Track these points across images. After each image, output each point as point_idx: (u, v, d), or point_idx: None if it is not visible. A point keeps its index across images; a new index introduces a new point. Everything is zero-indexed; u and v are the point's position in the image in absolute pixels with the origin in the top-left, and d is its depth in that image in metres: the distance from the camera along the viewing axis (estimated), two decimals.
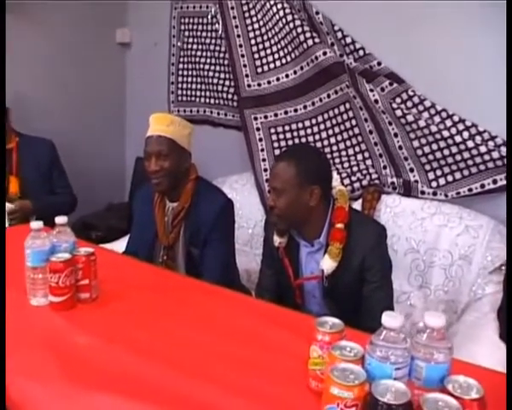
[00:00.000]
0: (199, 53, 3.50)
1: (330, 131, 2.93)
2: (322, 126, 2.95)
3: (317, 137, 2.96)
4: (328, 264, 1.83)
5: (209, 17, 3.41)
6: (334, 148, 2.92)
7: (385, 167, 2.77)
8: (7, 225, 2.72)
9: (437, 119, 2.58)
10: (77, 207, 3.14)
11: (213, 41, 3.40)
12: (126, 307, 1.58)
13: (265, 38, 3.09)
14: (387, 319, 0.95)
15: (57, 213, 2.48)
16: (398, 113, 2.59)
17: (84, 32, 3.66)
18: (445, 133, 2.50)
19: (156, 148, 2.12)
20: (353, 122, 2.84)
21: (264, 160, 3.00)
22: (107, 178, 3.94)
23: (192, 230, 2.19)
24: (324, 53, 2.77)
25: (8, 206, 2.75)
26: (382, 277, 1.84)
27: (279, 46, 3.04)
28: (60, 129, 3.33)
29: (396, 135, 2.66)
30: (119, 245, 2.75)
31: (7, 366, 1.23)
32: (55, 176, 3.00)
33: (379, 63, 2.76)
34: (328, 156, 2.88)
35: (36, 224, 1.55)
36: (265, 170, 2.97)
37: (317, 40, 2.81)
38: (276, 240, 1.96)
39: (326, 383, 0.94)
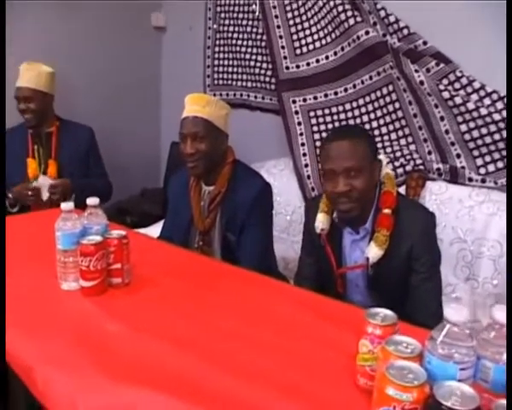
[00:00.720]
0: (235, 35, 3.40)
1: (372, 115, 2.80)
2: (363, 110, 2.82)
3: (359, 120, 2.83)
4: (374, 252, 1.72)
5: None
6: (377, 132, 2.79)
7: (430, 153, 2.63)
8: (45, 197, 2.76)
9: (487, 101, 2.43)
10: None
11: (250, 23, 3.30)
12: (159, 294, 1.51)
13: (304, 18, 2.97)
14: (451, 311, 0.85)
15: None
16: (445, 95, 2.46)
17: (119, 17, 3.64)
18: (496, 116, 2.35)
19: (192, 129, 2.05)
20: (397, 105, 2.71)
21: (303, 144, 2.89)
22: (141, 164, 3.90)
23: (229, 215, 2.11)
24: (367, 32, 2.64)
25: (50, 181, 2.77)
26: (431, 267, 1.72)
27: (319, 26, 2.92)
28: (96, 114, 3.33)
29: (442, 118, 2.52)
30: (154, 230, 2.70)
31: (34, 353, 1.17)
32: (92, 163, 2.98)
33: (424, 42, 2.62)
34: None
35: (66, 205, 1.48)
36: (304, 155, 2.87)
37: (358, 19, 2.68)
38: (318, 226, 1.85)
39: (379, 382, 0.84)
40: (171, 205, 2.34)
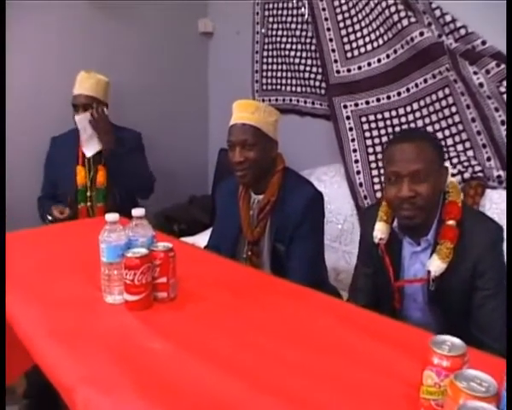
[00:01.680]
0: (284, 39, 3.34)
1: (427, 120, 2.68)
2: (418, 114, 2.70)
3: (413, 125, 2.71)
4: (436, 265, 1.62)
5: (294, 1, 3.24)
6: None
7: (489, 159, 2.49)
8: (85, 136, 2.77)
9: None
10: (158, 198, 3.15)
11: (299, 26, 3.23)
12: (206, 310, 1.44)
13: (355, 20, 2.88)
14: None
15: (134, 176, 2.73)
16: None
17: (166, 23, 3.65)
18: None
19: (240, 137, 2.00)
20: (453, 109, 2.58)
21: (354, 150, 2.80)
22: (189, 171, 3.88)
23: (278, 224, 2.05)
24: (421, 33, 2.53)
25: (89, 116, 2.76)
26: (497, 284, 1.59)
27: (370, 28, 2.82)
28: (144, 121, 3.31)
29: (503, 123, 2.38)
30: (202, 239, 2.67)
31: (76, 371, 1.13)
32: (135, 158, 2.94)
33: (483, 42, 2.48)
34: None
35: (111, 216, 1.44)
36: (356, 161, 2.78)
37: (412, 20, 2.57)
38: (377, 235, 1.76)
39: None
40: (219, 213, 2.30)
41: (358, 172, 2.75)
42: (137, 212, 1.52)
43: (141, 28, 3.53)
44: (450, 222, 1.62)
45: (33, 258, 1.80)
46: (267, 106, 2.08)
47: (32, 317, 1.38)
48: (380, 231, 1.77)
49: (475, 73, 2.40)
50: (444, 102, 2.60)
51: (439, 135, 2.64)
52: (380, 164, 2.73)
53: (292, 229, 2.01)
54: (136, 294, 1.39)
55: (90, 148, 2.81)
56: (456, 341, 0.93)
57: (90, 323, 1.35)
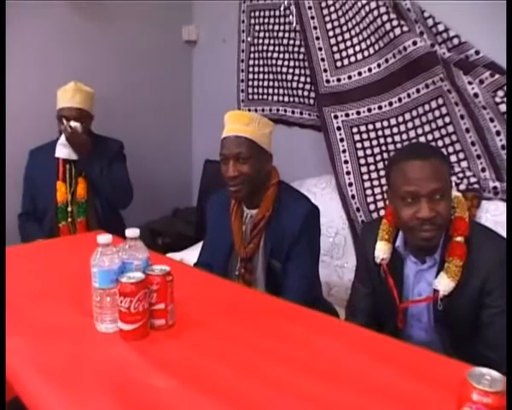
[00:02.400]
0: (271, 48, 3.27)
1: (420, 130, 2.62)
2: (410, 125, 2.64)
3: (405, 136, 2.66)
4: (445, 284, 1.55)
5: (282, 9, 3.18)
6: None
7: (483, 170, 2.45)
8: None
9: None
10: (140, 210, 3.13)
11: (287, 34, 3.17)
12: (206, 337, 1.35)
13: (345, 28, 2.82)
14: None
15: (115, 185, 2.70)
16: (502, 108, 2.28)
17: (149, 31, 3.56)
18: None
19: (234, 150, 1.91)
20: (447, 119, 2.53)
21: (346, 162, 2.73)
22: (172, 182, 3.79)
23: (274, 240, 1.96)
24: (414, 43, 2.48)
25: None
26: (505, 300, 1.53)
27: (361, 37, 2.76)
28: (126, 130, 3.22)
29: (498, 133, 2.34)
30: (190, 255, 2.58)
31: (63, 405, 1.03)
32: (116, 166, 2.84)
33: (477, 52, 2.44)
34: None
35: (104, 238, 1.34)
36: (348, 173, 2.71)
37: (405, 29, 2.52)
38: (379, 256, 1.69)
39: None
40: (210, 229, 2.20)
41: (350, 184, 2.69)
42: (131, 232, 1.40)
43: (123, 36, 3.42)
44: (459, 239, 1.56)
45: (15, 280, 1.66)
46: (261, 117, 2.00)
47: (15, 348, 1.26)
48: (381, 251, 1.70)
49: (470, 83, 2.36)
50: (437, 113, 2.55)
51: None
52: (372, 175, 2.67)
53: (288, 245, 1.93)
54: (133, 322, 1.28)
55: (64, 151, 2.71)
56: (496, 374, 0.86)
57: (82, 355, 1.24)
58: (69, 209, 2.76)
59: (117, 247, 1.39)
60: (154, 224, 3.49)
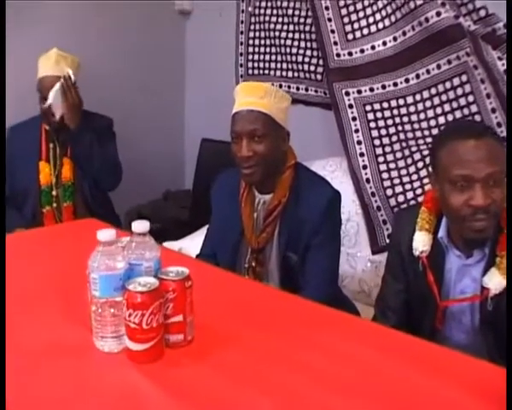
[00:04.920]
0: (273, 19, 3.01)
1: (439, 110, 2.41)
2: (428, 104, 2.43)
3: (422, 116, 2.45)
4: (497, 281, 1.38)
5: None
6: None
7: None
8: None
9: None
10: (129, 194, 2.96)
11: (291, 4, 2.91)
12: (231, 354, 1.11)
13: None
14: None
15: (103, 164, 2.49)
16: None
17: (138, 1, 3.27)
18: None
19: (248, 126, 1.68)
20: (470, 98, 2.32)
21: (359, 142, 2.51)
22: (163, 163, 3.54)
23: (290, 230, 1.75)
24: (438, 13, 2.26)
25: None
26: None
27: (375, 7, 2.53)
28: (113, 106, 2.95)
29: None
30: (190, 243, 2.36)
31: None
32: (105, 143, 2.58)
33: (505, 25, 2.23)
34: None
35: (106, 234, 1.08)
36: (362, 154, 2.49)
37: None
38: (418, 247, 1.51)
39: None
40: (215, 215, 1.97)
41: (365, 167, 2.48)
42: (140, 226, 1.14)
43: (109, 4, 3.14)
44: None
45: None
46: (278, 89, 1.79)
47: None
48: (421, 242, 1.52)
49: (500, 58, 2.17)
50: (459, 91, 2.34)
51: None
52: (388, 158, 2.46)
53: (307, 236, 1.73)
54: (144, 342, 1.03)
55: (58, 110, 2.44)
56: None
57: (81, 382, 0.99)
58: (54, 193, 2.52)
59: (119, 241, 1.15)
60: (143, 208, 3.25)
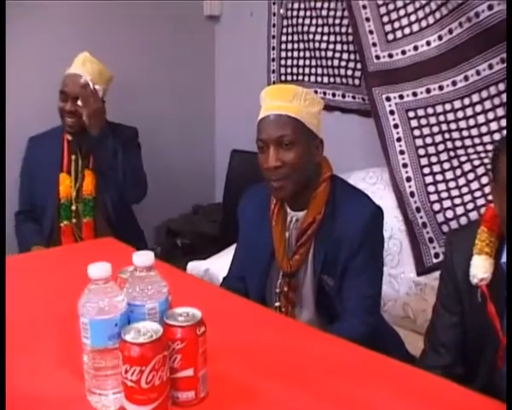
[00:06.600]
0: (307, 21, 2.87)
1: (491, 115, 2.21)
2: (478, 108, 2.23)
3: (472, 122, 2.24)
4: None
5: None
6: (497, 136, 2.20)
7: None
8: None
9: None
10: (157, 208, 2.97)
11: (326, 5, 2.76)
12: None
13: None
14: None
15: (127, 175, 2.33)
16: None
17: (166, 6, 3.18)
18: None
19: (275, 133, 1.51)
20: None
21: (402, 152, 2.32)
22: (193, 176, 3.43)
23: (326, 251, 1.57)
24: (490, 7, 2.05)
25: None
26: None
27: (417, 4, 2.35)
28: (140, 116, 2.87)
29: None
30: (217, 263, 2.20)
31: None
32: (130, 153, 2.43)
33: None
34: (489, 147, 2.17)
35: (98, 270, 0.89)
36: (405, 165, 2.30)
37: None
38: (476, 275, 1.32)
39: None
40: (243, 234, 1.79)
41: (408, 179, 2.28)
42: (142, 258, 0.94)
43: (137, 12, 3.07)
44: None
45: None
46: (308, 91, 1.60)
47: None
48: (480, 268, 1.33)
49: None
50: None
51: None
52: (435, 169, 2.26)
53: (346, 258, 1.55)
54: (144, 404, 0.84)
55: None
56: None
57: None
58: (73, 208, 2.39)
59: (124, 271, 0.97)
60: (173, 223, 3.20)
